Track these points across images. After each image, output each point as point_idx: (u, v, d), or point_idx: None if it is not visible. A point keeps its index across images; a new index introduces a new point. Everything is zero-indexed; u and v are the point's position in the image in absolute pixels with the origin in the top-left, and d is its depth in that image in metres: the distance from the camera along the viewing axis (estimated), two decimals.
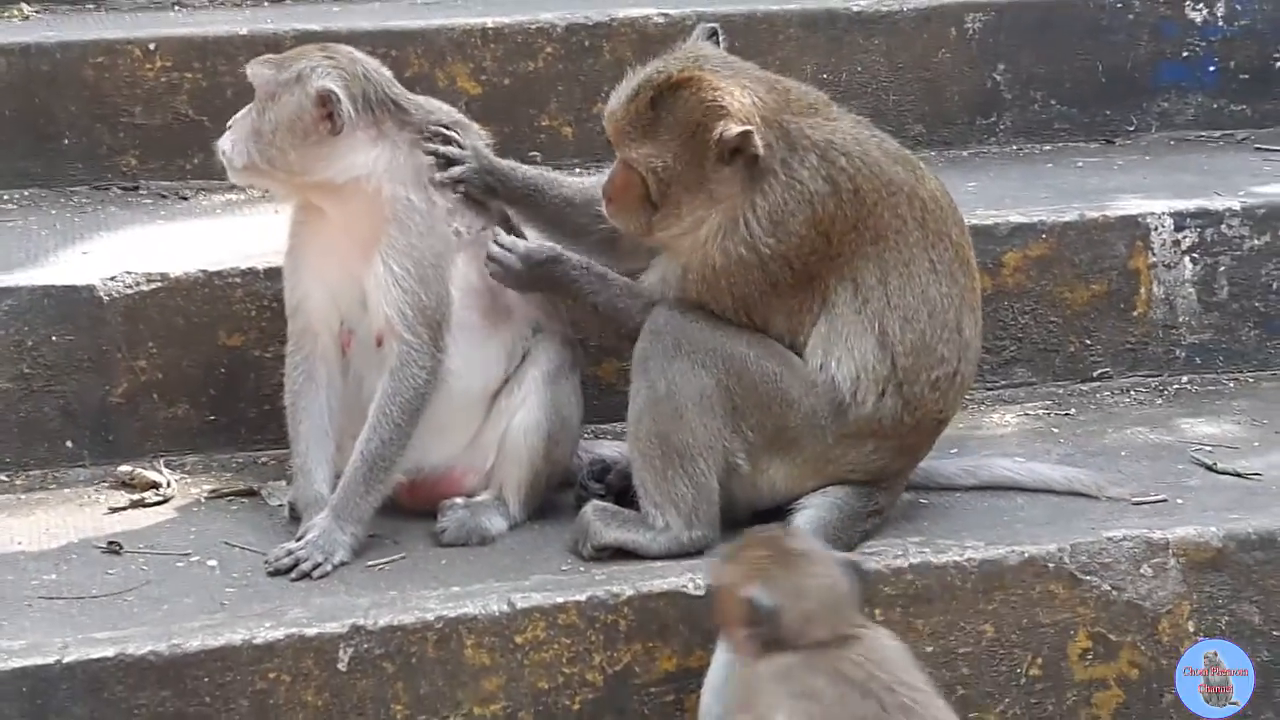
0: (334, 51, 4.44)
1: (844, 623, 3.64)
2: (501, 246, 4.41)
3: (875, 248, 4.25)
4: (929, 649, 4.24)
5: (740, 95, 4.21)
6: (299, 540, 4.27)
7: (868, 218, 4.24)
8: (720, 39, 4.45)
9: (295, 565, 4.21)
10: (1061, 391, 5.32)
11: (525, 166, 4.70)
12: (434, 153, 4.46)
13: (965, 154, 6.18)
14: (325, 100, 4.31)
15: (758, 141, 4.15)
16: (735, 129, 4.14)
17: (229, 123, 4.48)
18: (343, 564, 4.24)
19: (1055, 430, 5.07)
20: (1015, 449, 4.91)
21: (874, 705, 3.50)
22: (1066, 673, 4.31)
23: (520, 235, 4.60)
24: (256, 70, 4.42)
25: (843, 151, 4.25)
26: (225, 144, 4.44)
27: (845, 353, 4.25)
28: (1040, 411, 5.20)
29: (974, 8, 6.19)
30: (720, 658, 3.93)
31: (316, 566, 4.21)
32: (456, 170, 4.47)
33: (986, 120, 6.23)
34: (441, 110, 4.56)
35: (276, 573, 4.21)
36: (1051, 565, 4.28)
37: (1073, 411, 5.20)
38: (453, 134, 4.51)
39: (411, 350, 4.33)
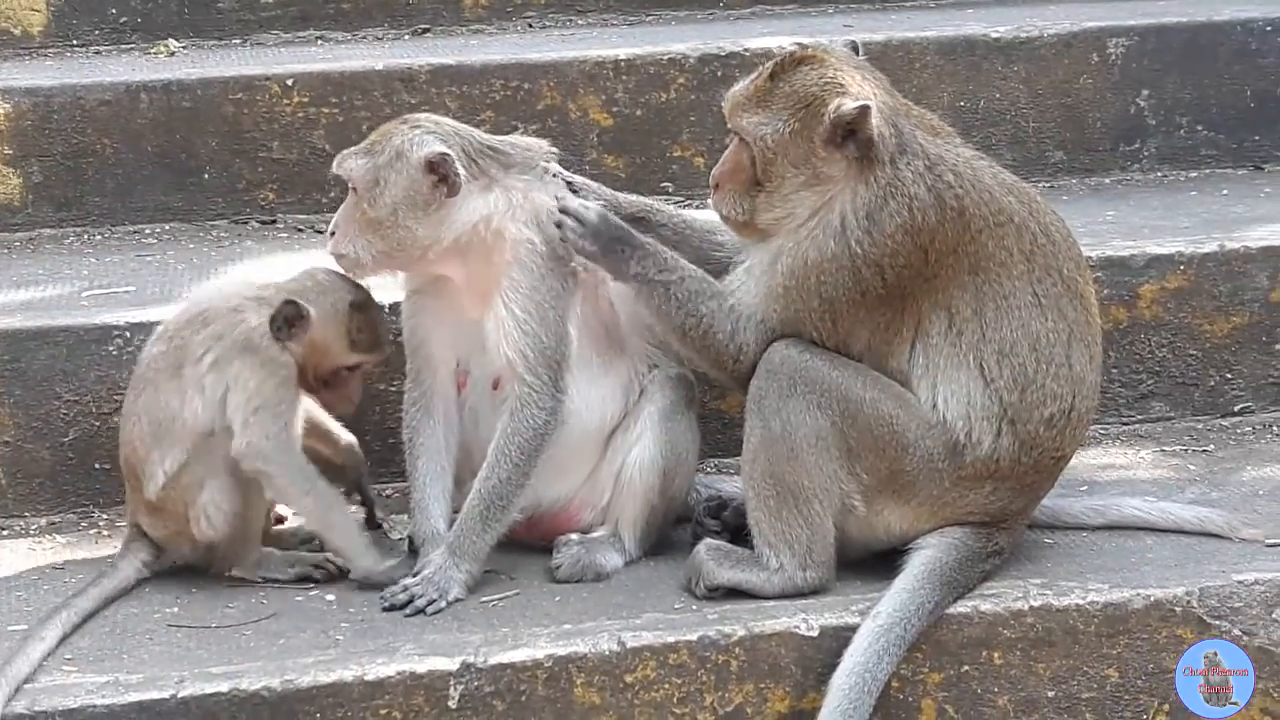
0: (415, 120, 4.42)
1: None
2: (570, 211, 4.35)
3: (974, 278, 4.17)
4: (1050, 693, 4.16)
5: (861, 81, 4.18)
6: (415, 576, 4.30)
7: (970, 244, 4.16)
8: (860, 53, 4.40)
9: (410, 601, 4.23)
10: (1200, 427, 5.19)
11: (634, 195, 4.70)
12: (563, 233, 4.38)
13: (1107, 181, 6.06)
14: (434, 166, 4.30)
15: (873, 121, 4.09)
16: (852, 104, 4.10)
17: (330, 226, 4.45)
18: (457, 601, 4.26)
19: (1192, 467, 4.94)
20: (1149, 486, 4.79)
21: None
22: None
23: None
24: (349, 165, 4.37)
25: (951, 169, 4.18)
26: (344, 247, 4.38)
27: (947, 387, 4.18)
28: (1177, 447, 5.07)
29: (1117, 33, 6.08)
30: None
31: (431, 603, 4.22)
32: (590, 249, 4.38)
33: (1130, 147, 6.11)
34: (534, 145, 4.53)
35: (391, 608, 4.23)
36: (1179, 609, 4.17)
37: (1211, 448, 5.06)
38: (568, 189, 4.49)
39: (532, 392, 4.33)
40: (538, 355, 4.31)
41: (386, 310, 4.79)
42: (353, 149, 4.43)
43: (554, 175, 4.49)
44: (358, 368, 4.42)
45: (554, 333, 4.34)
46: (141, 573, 4.41)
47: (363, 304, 4.39)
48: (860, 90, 4.16)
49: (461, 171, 4.31)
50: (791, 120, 4.17)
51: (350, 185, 4.40)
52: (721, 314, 4.28)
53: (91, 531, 4.77)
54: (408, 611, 4.21)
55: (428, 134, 4.35)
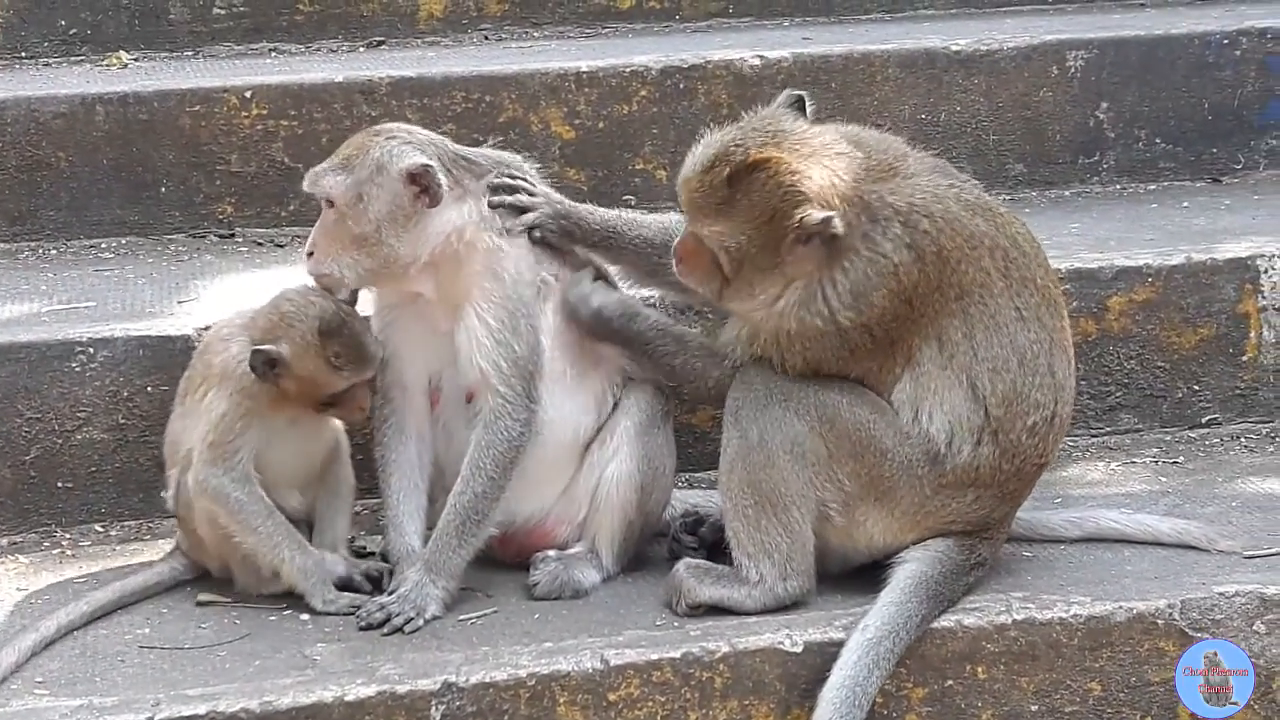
0: (389, 130, 4.35)
1: None
2: (576, 295, 4.36)
3: (960, 304, 4.16)
4: (1034, 708, 4.15)
5: (819, 176, 4.08)
6: (390, 594, 4.23)
7: (951, 275, 4.14)
8: (806, 106, 4.30)
9: (387, 620, 4.17)
10: (1169, 438, 5.19)
11: (602, 209, 4.60)
12: (501, 204, 4.36)
13: (1067, 194, 6.07)
14: (416, 177, 4.24)
15: (839, 225, 4.04)
16: (817, 215, 4.03)
17: (307, 247, 4.35)
18: (434, 619, 4.19)
19: (1163, 479, 4.95)
20: (1121, 499, 4.80)
21: None
22: None
23: (610, 281, 4.54)
24: (327, 182, 4.26)
25: (925, 214, 4.14)
26: (326, 267, 4.28)
27: (935, 407, 4.17)
28: (1147, 459, 5.08)
29: (1076, 45, 6.09)
30: None
31: (409, 621, 4.16)
32: (529, 217, 4.38)
33: (1089, 159, 6.12)
34: (506, 159, 4.47)
35: (368, 627, 4.17)
36: (1161, 622, 4.17)
37: (1180, 459, 5.07)
38: (520, 182, 4.41)
39: (506, 403, 4.27)
40: (511, 365, 4.25)
41: None
42: (325, 165, 4.33)
43: (499, 179, 4.38)
44: (353, 386, 4.31)
45: (527, 343, 4.28)
46: (180, 574, 4.44)
47: (333, 327, 4.25)
48: (820, 189, 4.06)
49: (442, 181, 4.25)
50: (756, 235, 4.09)
51: (327, 202, 4.31)
52: (716, 370, 4.31)
53: (55, 551, 4.68)
54: (385, 631, 4.15)
55: (404, 144, 4.28)
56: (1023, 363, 4.18)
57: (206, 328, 4.73)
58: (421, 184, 4.24)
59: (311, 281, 4.36)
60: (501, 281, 4.30)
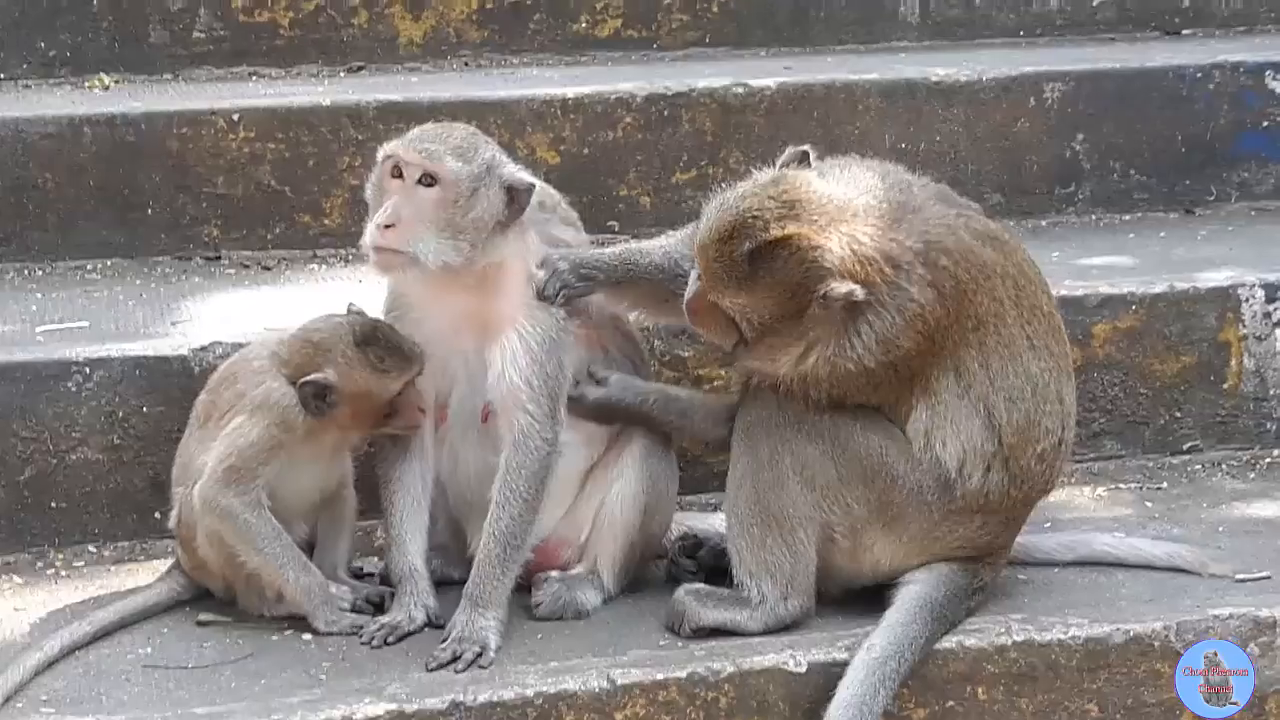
0: (485, 136, 4.39)
1: None
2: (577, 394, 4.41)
3: (976, 334, 4.20)
4: None
5: (839, 247, 4.06)
6: (443, 643, 4.16)
7: (968, 307, 4.18)
8: (811, 159, 4.30)
9: (455, 658, 4.11)
10: (1151, 464, 5.27)
11: (615, 248, 4.60)
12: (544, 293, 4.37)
13: (1044, 224, 6.13)
14: (516, 193, 4.28)
15: (860, 294, 4.05)
16: (840, 289, 4.04)
17: (384, 218, 4.21)
18: (499, 650, 4.14)
19: (1148, 504, 5.02)
20: (1111, 523, 4.86)
21: None
22: None
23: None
24: (448, 162, 4.22)
25: (942, 250, 4.16)
26: (409, 245, 4.19)
27: (951, 435, 4.20)
28: (1132, 485, 5.15)
29: (1053, 77, 6.16)
30: None
31: (479, 655, 4.10)
32: (560, 288, 4.39)
33: (1065, 190, 6.19)
34: (540, 190, 4.47)
35: (439, 667, 4.09)
36: (1157, 644, 4.23)
37: (1164, 485, 5.15)
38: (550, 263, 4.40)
39: (535, 422, 4.27)
40: (541, 384, 4.27)
41: None
42: (438, 145, 4.24)
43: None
44: (408, 385, 4.33)
45: (555, 363, 4.31)
46: (179, 594, 4.44)
47: (367, 335, 4.28)
48: (842, 261, 4.05)
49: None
50: (777, 308, 4.10)
51: (425, 180, 4.23)
52: (721, 427, 4.40)
53: (48, 572, 4.66)
54: (459, 667, 4.08)
55: (505, 155, 4.35)
56: (1035, 390, 4.23)
57: (203, 349, 4.75)
58: (519, 202, 4.28)
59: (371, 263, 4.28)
60: (541, 307, 4.33)
